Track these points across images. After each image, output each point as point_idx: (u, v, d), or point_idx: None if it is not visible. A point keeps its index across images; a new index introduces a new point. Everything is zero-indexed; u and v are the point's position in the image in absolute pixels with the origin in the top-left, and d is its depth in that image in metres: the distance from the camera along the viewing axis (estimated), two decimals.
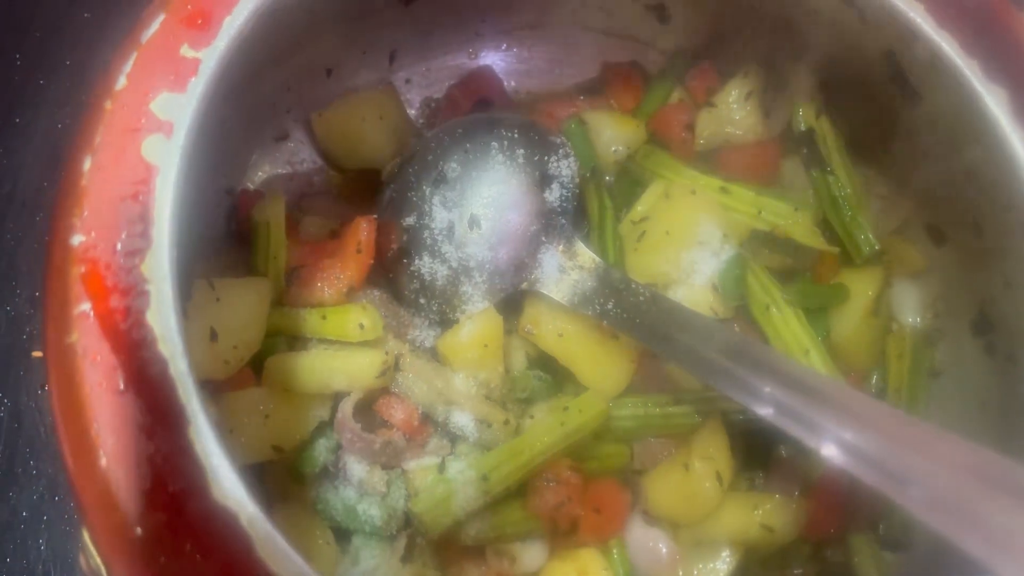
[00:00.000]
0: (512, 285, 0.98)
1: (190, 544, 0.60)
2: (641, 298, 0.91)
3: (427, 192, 0.99)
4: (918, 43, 0.87)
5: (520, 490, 0.92)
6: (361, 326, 0.93)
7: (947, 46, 0.84)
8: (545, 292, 0.97)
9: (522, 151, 1.00)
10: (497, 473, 0.90)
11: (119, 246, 0.65)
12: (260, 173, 1.11)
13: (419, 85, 1.19)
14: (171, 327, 0.64)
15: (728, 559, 0.93)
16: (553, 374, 0.99)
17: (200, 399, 0.63)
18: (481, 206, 0.98)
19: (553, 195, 1.00)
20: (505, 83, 1.20)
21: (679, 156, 1.10)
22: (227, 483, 0.61)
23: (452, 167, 0.99)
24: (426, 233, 0.98)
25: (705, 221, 1.02)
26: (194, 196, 0.75)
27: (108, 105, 0.68)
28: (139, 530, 0.60)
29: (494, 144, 1.00)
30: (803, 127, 1.08)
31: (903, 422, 0.73)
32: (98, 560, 0.63)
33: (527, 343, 0.99)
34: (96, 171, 0.67)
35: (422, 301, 0.99)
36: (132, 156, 0.67)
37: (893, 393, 1.03)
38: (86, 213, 0.66)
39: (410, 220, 0.99)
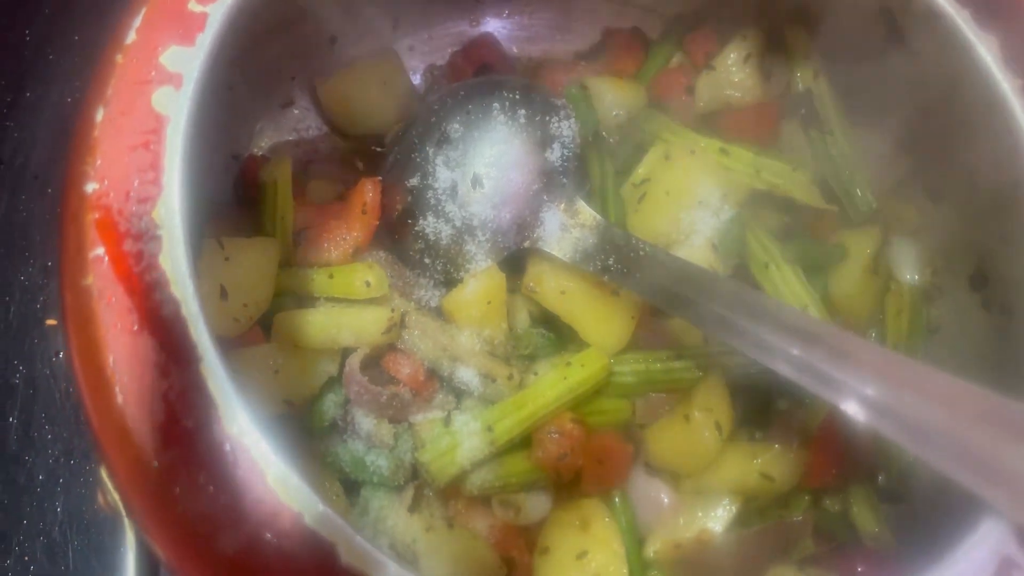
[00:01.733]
0: (515, 243, 0.99)
1: (204, 475, 0.62)
2: (641, 252, 0.92)
3: (430, 153, 1.00)
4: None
5: (524, 442, 0.93)
6: (367, 283, 0.94)
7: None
8: (547, 250, 0.98)
9: (523, 111, 1.01)
10: (501, 425, 0.92)
11: (131, 193, 0.67)
12: (266, 140, 1.13)
13: (422, 52, 1.21)
14: (182, 270, 0.66)
15: (728, 507, 0.94)
16: (556, 331, 0.99)
17: (211, 338, 0.65)
18: (484, 165, 0.99)
19: (554, 155, 1.01)
20: (507, 49, 1.21)
21: (679, 119, 1.11)
22: (239, 416, 0.63)
23: (455, 128, 1.00)
24: (430, 193, 0.99)
25: (705, 181, 1.03)
26: (204, 155, 0.77)
27: (119, 58, 0.70)
28: (155, 463, 0.62)
29: (496, 105, 1.01)
30: (801, 88, 1.10)
31: (919, 371, 0.74)
32: (116, 495, 0.65)
33: (530, 301, 1.00)
34: (108, 122, 0.69)
35: (427, 261, 1.00)
36: (143, 107, 0.69)
37: (891, 348, 1.04)
38: (99, 162, 0.68)
39: (414, 181, 1.00)
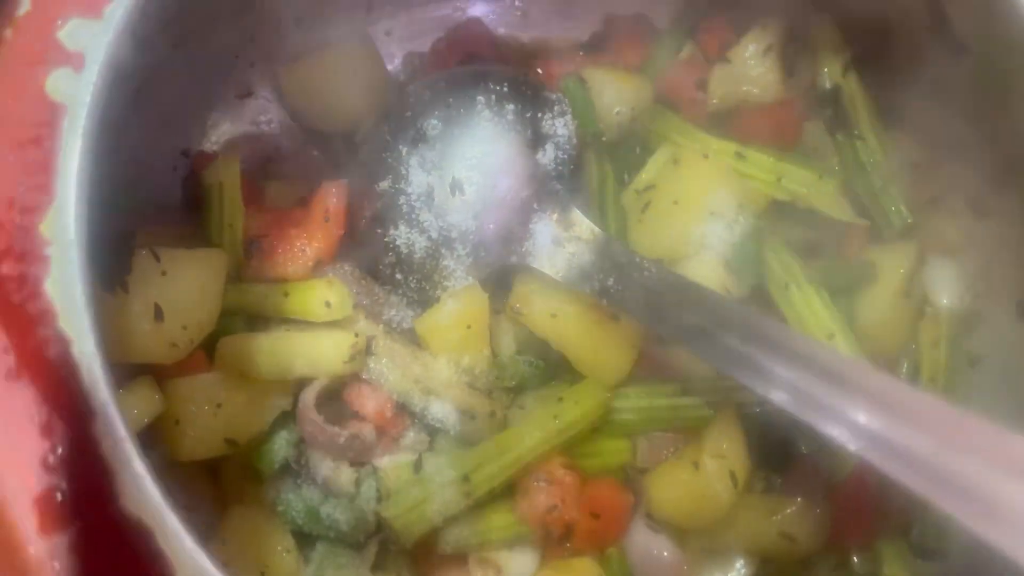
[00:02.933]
0: (499, 258, 0.91)
1: (94, 565, 0.49)
2: (646, 273, 0.84)
3: (404, 152, 0.91)
4: None
5: (507, 491, 0.86)
6: (327, 304, 0.85)
7: None
8: (537, 267, 0.89)
9: (512, 107, 0.92)
10: (480, 473, 0.84)
11: (14, 200, 0.55)
12: (221, 133, 1.04)
13: (401, 38, 1.11)
14: (76, 299, 0.54)
15: (742, 570, 0.89)
16: (546, 360, 0.92)
17: (111, 387, 0.52)
18: (465, 169, 0.90)
19: (547, 157, 0.93)
20: (497, 37, 1.12)
21: (689, 118, 1.03)
22: (140, 490, 0.51)
23: (433, 124, 0.92)
24: (402, 199, 0.91)
25: (718, 190, 0.95)
26: (137, 152, 0.66)
27: (7, 33, 0.58)
28: (31, 548, 0.49)
29: (480, 99, 0.92)
30: (828, 85, 1.02)
31: (940, 410, 0.65)
32: None
33: (517, 324, 0.91)
34: None
35: (398, 276, 0.92)
36: (34, 93, 0.57)
37: (927, 382, 0.97)
38: None
39: (385, 184, 0.91)
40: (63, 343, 0.53)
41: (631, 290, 0.84)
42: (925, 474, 0.62)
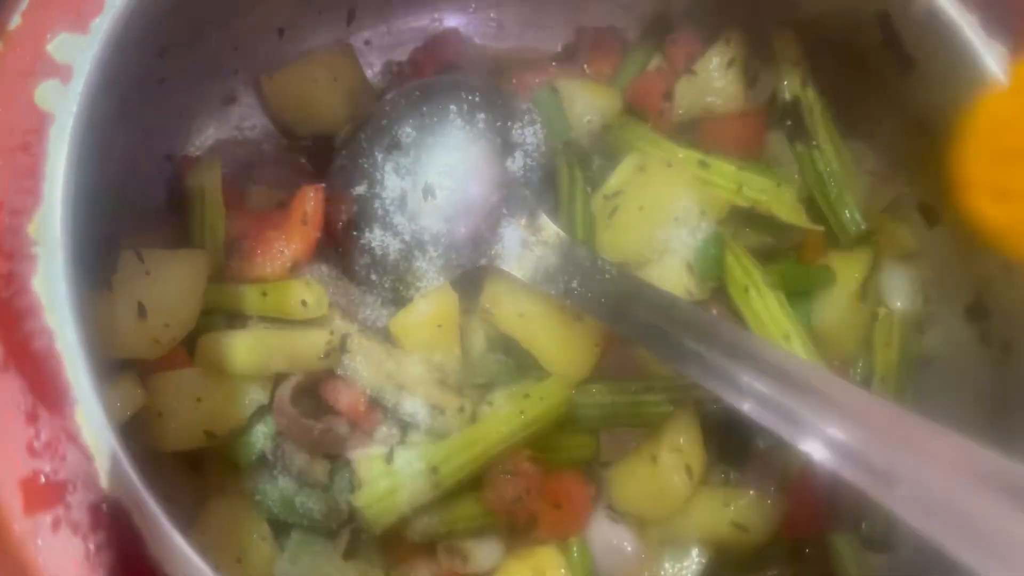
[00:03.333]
0: (470, 261, 0.92)
1: (74, 544, 0.53)
2: (607, 275, 0.86)
3: (379, 158, 0.93)
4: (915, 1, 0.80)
5: (474, 483, 0.87)
6: (303, 303, 0.87)
7: (946, 2, 0.77)
8: (505, 268, 0.91)
9: (483, 116, 0.94)
10: (448, 465, 0.85)
11: (4, 203, 0.58)
12: (205, 138, 1.05)
13: (380, 47, 1.13)
14: (60, 295, 0.57)
15: (698, 559, 0.89)
16: (514, 357, 0.92)
17: (93, 377, 0.55)
18: (437, 174, 0.92)
19: (516, 164, 0.94)
20: (472, 47, 1.13)
21: (656, 127, 1.04)
22: (118, 472, 0.54)
23: (407, 132, 0.93)
24: (377, 203, 0.92)
25: (682, 196, 0.96)
26: (123, 157, 0.69)
27: None
28: (15, 526, 0.53)
29: (453, 108, 0.94)
30: (788, 97, 1.03)
31: (892, 415, 0.69)
32: None
33: (487, 324, 0.92)
34: None
35: (373, 277, 0.93)
36: (23, 103, 0.60)
37: (879, 382, 0.98)
38: None
39: (360, 189, 0.93)
40: (47, 336, 0.56)
41: (594, 292, 0.85)
42: (870, 472, 0.64)
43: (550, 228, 0.91)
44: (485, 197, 0.93)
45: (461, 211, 0.92)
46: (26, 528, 0.53)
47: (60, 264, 0.57)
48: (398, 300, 0.93)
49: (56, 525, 0.53)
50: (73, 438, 0.54)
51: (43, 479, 0.53)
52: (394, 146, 0.93)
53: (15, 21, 0.62)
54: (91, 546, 0.53)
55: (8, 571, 0.53)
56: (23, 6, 0.62)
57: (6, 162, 0.58)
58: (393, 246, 0.92)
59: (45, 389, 0.55)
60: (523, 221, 0.92)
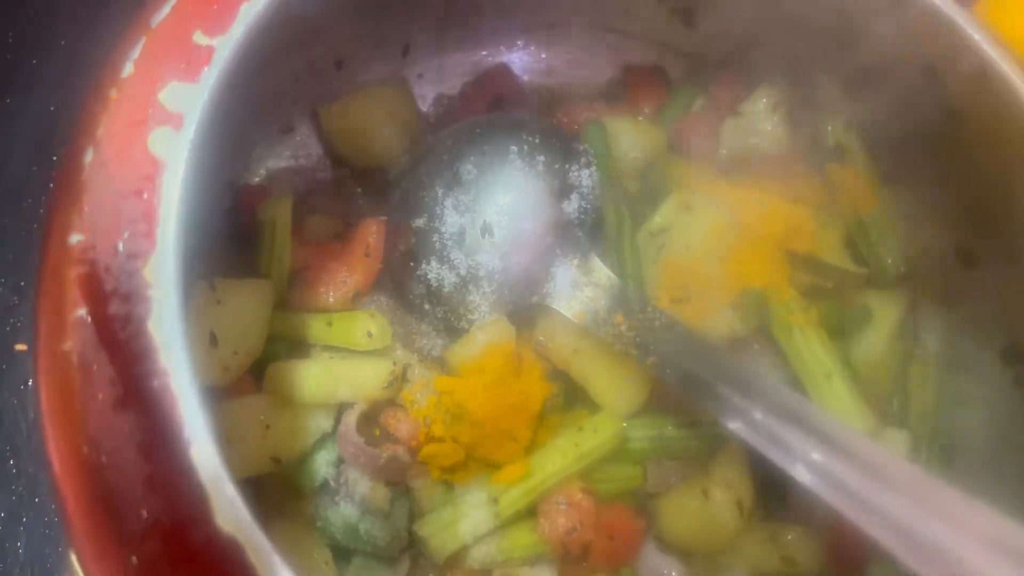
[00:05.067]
0: (522, 298, 0.94)
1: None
2: (656, 323, 0.87)
3: (440, 194, 0.95)
4: (965, 56, 0.83)
5: (529, 512, 0.89)
6: (369, 334, 0.89)
7: (1000, 60, 0.80)
8: (556, 307, 0.93)
9: (542, 157, 0.96)
10: (507, 496, 0.87)
11: (120, 247, 0.60)
12: (263, 167, 1.06)
13: (432, 81, 1.15)
14: (175, 337, 0.59)
15: None
16: (566, 390, 0.94)
17: (206, 417, 0.58)
18: (495, 213, 0.94)
19: (572, 206, 0.96)
20: (521, 81, 1.16)
21: (701, 166, 1.06)
22: (232, 510, 0.56)
23: (468, 169, 0.95)
24: (435, 237, 0.94)
25: (727, 236, 0.98)
26: (200, 193, 0.70)
27: (113, 94, 0.63)
28: (134, 559, 0.55)
29: (513, 148, 0.96)
30: (831, 142, 1.05)
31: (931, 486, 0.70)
32: None
33: (540, 356, 0.94)
34: (98, 165, 0.62)
35: (427, 307, 0.95)
36: (138, 150, 0.62)
37: (915, 420, 1.00)
38: (86, 210, 0.60)
39: (420, 222, 0.95)
40: (163, 376, 0.58)
41: (642, 337, 0.87)
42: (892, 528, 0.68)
43: (602, 271, 0.93)
44: (540, 237, 0.94)
45: (516, 249, 0.94)
46: (144, 562, 0.55)
47: (174, 306, 0.59)
48: (452, 330, 0.95)
49: (172, 560, 0.55)
50: (189, 476, 0.56)
51: (160, 514, 0.55)
52: (455, 182, 0.95)
53: (128, 69, 0.64)
54: None
55: None
56: (135, 54, 0.64)
57: (122, 208, 0.60)
58: (449, 279, 0.94)
59: (161, 428, 0.57)
60: (575, 262, 0.94)
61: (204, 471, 0.56)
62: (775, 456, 0.75)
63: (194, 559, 0.55)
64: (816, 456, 0.73)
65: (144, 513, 0.55)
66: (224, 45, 0.67)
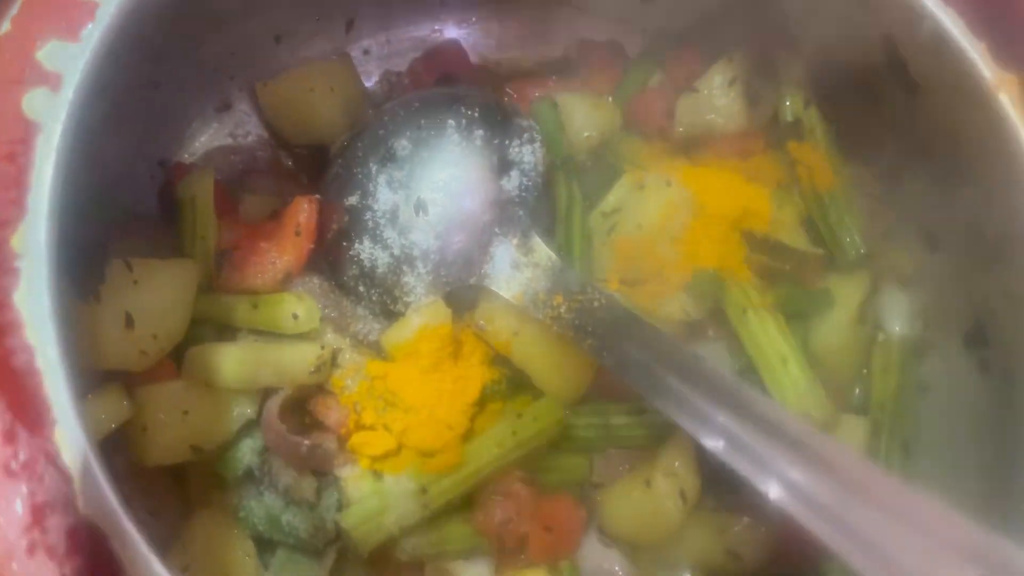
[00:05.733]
0: (459, 279, 0.91)
1: (50, 565, 0.51)
2: (596, 304, 0.85)
3: (373, 170, 0.92)
4: (921, 23, 0.79)
5: (464, 503, 0.86)
6: (295, 316, 0.86)
7: (953, 26, 0.76)
8: (495, 289, 0.90)
9: (481, 132, 0.93)
10: (438, 485, 0.84)
11: None
12: (198, 145, 1.04)
13: (378, 57, 1.12)
14: (43, 311, 0.55)
15: None
16: (509, 374, 0.90)
17: (73, 396, 0.54)
18: (430, 190, 0.91)
19: (512, 183, 0.93)
20: (472, 58, 1.12)
21: (656, 144, 1.04)
22: (97, 495, 0.52)
23: (403, 144, 0.92)
24: (368, 215, 0.91)
25: (680, 215, 0.95)
26: (114, 163, 0.67)
27: None
28: None
29: (451, 122, 0.93)
30: (790, 118, 1.03)
31: (862, 468, 0.68)
32: None
33: (481, 340, 0.90)
34: None
35: (361, 289, 0.92)
36: (11, 111, 0.58)
37: (876, 408, 0.97)
38: None
39: (353, 200, 0.92)
40: (27, 353, 0.54)
41: (581, 319, 0.84)
42: (833, 524, 0.65)
43: (542, 250, 0.90)
44: (478, 215, 0.92)
45: (453, 228, 0.91)
46: (0, 551, 0.51)
47: (44, 278, 0.56)
48: (387, 313, 0.92)
49: (32, 549, 0.51)
50: (52, 459, 0.52)
51: (19, 502, 0.51)
52: (389, 158, 0.92)
53: (4, 27, 0.60)
54: (67, 571, 0.51)
55: None
56: (14, 11, 0.61)
57: None
58: (382, 259, 0.91)
59: (24, 408, 0.53)
60: (515, 241, 0.91)
61: (68, 454, 0.52)
62: (695, 429, 0.73)
63: (55, 547, 0.51)
64: (760, 448, 0.70)
65: (1, 499, 0.51)
66: (109, 2, 0.62)
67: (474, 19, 1.13)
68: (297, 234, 0.90)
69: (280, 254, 0.90)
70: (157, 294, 0.84)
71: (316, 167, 1.04)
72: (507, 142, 0.94)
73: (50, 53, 0.60)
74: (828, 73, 0.99)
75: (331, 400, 0.87)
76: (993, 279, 0.89)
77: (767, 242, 0.97)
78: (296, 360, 0.84)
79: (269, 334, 0.87)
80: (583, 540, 0.89)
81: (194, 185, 0.91)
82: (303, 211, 0.90)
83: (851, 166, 1.01)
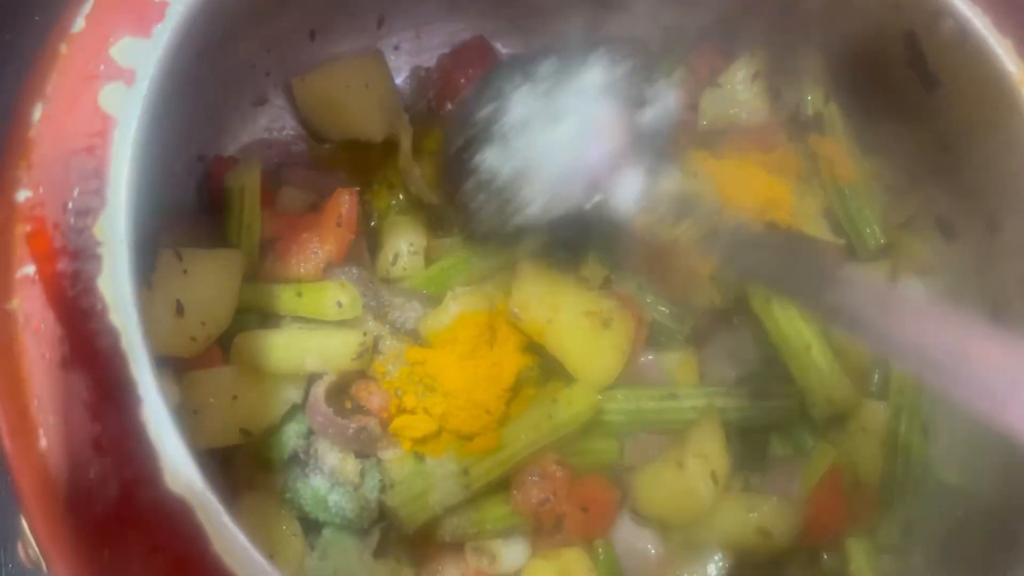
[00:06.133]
0: (579, 199, 0.86)
1: (138, 537, 0.54)
2: (723, 228, 0.82)
3: (511, 86, 0.89)
4: (944, 20, 0.82)
5: (502, 484, 0.88)
6: (339, 304, 0.88)
7: (979, 23, 0.79)
8: (611, 212, 0.86)
9: (622, 69, 0.90)
10: (479, 467, 0.86)
11: (70, 204, 0.59)
12: (235, 139, 1.05)
13: (408, 52, 1.13)
14: (125, 295, 0.58)
15: (720, 563, 0.89)
16: (542, 360, 0.93)
17: (156, 376, 0.57)
18: (564, 108, 0.87)
19: (646, 116, 0.90)
20: (500, 55, 1.14)
21: (680, 138, 1.03)
22: (182, 470, 0.55)
23: (547, 64, 0.89)
24: (496, 126, 0.87)
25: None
26: (161, 157, 0.69)
27: (63, 49, 0.62)
28: (83, 519, 0.54)
29: (598, 51, 0.90)
30: (811, 112, 1.04)
31: None
32: (38, 550, 0.57)
33: (515, 328, 0.92)
34: (47, 121, 0.60)
35: (481, 196, 0.88)
36: (88, 105, 0.61)
37: (896, 393, 0.98)
38: (34, 166, 0.59)
39: (486, 112, 0.89)
40: (112, 335, 0.56)
41: (709, 239, 0.81)
42: None
43: (671, 179, 0.87)
44: (607, 140, 0.87)
45: (581, 147, 0.87)
46: (92, 523, 0.54)
47: (125, 264, 0.58)
48: (429, 301, 0.94)
49: (121, 523, 0.54)
50: (138, 436, 0.55)
51: (108, 475, 0.54)
52: (529, 77, 0.89)
53: (79, 24, 0.63)
54: (156, 544, 0.53)
55: (72, 569, 0.54)
56: (87, 9, 0.63)
57: (72, 165, 0.59)
58: (506, 168, 0.87)
59: (111, 387, 0.55)
60: (641, 168, 0.87)
61: (153, 431, 0.55)
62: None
63: (142, 520, 0.54)
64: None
65: (92, 473, 0.54)
66: (178, 1, 0.65)
67: (501, 15, 1.15)
68: (338, 225, 0.92)
69: (322, 244, 0.91)
70: (206, 283, 0.86)
71: (349, 160, 1.06)
72: (645, 80, 0.92)
73: (123, 49, 0.62)
74: (849, 68, 1.00)
75: (373, 385, 0.89)
76: (1009, 268, 0.91)
77: (790, 232, 0.98)
78: (340, 346, 0.86)
79: (312, 321, 0.89)
80: (617, 520, 0.91)
81: (241, 176, 0.93)
82: (344, 203, 0.92)
83: (870, 159, 1.02)
